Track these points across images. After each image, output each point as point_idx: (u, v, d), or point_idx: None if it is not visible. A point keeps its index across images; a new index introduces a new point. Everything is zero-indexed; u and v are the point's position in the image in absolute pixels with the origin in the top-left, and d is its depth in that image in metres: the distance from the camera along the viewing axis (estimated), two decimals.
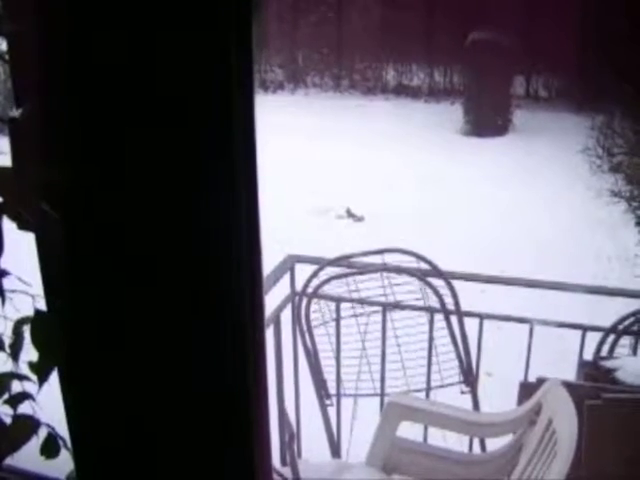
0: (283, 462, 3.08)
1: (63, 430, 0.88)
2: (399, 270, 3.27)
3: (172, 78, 0.64)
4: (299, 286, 3.29)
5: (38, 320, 0.99)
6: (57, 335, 0.75)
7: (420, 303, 3.26)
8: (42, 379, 1.02)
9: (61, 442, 1.10)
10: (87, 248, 0.70)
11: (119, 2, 0.63)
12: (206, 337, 0.71)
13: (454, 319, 3.21)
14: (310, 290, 3.21)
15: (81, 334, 0.74)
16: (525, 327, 3.20)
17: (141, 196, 0.67)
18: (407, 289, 3.26)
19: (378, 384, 3.29)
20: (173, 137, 0.66)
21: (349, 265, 3.32)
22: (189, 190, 0.67)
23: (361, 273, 3.27)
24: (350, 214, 8.57)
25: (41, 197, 0.70)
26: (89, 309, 0.72)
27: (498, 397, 2.89)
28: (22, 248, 0.93)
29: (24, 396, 1.08)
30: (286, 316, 3.30)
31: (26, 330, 1.01)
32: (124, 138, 0.66)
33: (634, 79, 8.26)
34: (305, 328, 3.19)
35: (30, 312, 1.00)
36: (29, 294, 0.99)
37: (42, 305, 0.81)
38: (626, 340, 3.13)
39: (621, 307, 3.29)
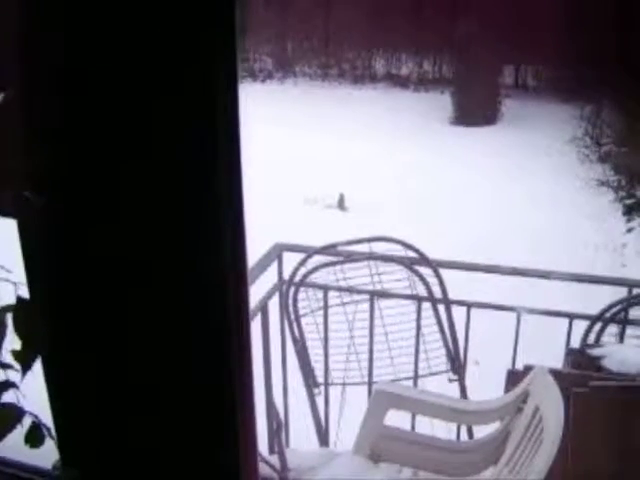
0: (271, 451, 3.08)
1: (47, 419, 0.87)
2: (387, 258, 3.27)
3: (152, 75, 0.64)
4: (287, 274, 3.29)
5: (21, 308, 0.98)
6: (40, 323, 0.75)
7: (408, 291, 3.26)
8: (25, 367, 1.01)
9: (46, 431, 1.10)
10: (70, 235, 0.70)
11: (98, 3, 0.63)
12: (190, 326, 0.71)
13: (441, 307, 3.21)
14: (298, 278, 3.21)
15: (64, 322, 0.73)
16: (513, 315, 3.20)
17: (126, 183, 0.67)
18: (395, 277, 3.26)
19: (366, 372, 3.29)
20: (156, 128, 0.65)
21: (337, 253, 3.32)
22: (173, 177, 0.66)
23: (349, 261, 3.27)
24: (339, 203, 8.56)
25: (23, 184, 0.70)
26: (72, 296, 0.72)
27: (486, 385, 2.89)
28: (3, 235, 0.92)
29: (8, 385, 1.07)
30: (274, 305, 3.29)
31: (9, 318, 1.00)
32: (107, 127, 0.65)
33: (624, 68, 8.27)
34: (293, 317, 3.19)
35: (12, 300, 0.99)
36: (11, 281, 0.98)
37: (25, 292, 0.80)
38: (613, 328, 3.15)
39: (608, 295, 3.30)
